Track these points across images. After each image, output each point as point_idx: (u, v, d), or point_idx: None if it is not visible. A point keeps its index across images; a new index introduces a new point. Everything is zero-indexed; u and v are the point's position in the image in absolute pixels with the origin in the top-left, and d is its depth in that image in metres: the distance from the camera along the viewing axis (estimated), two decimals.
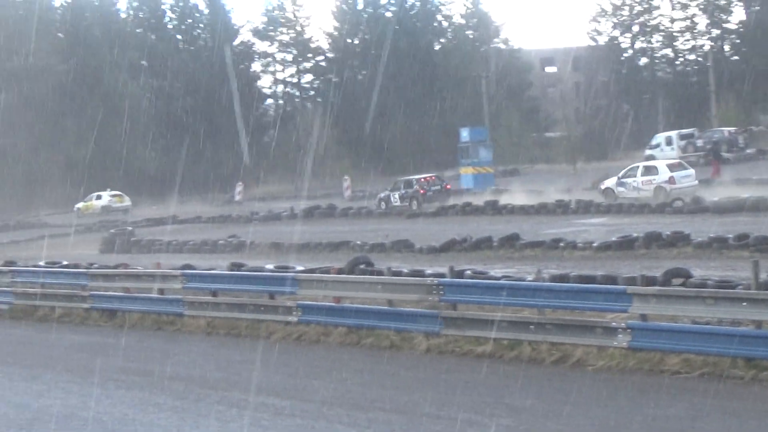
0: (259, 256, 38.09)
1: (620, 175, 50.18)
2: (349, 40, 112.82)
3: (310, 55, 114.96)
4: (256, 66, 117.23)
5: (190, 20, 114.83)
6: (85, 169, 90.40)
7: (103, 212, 76.80)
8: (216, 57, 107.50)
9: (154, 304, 25.52)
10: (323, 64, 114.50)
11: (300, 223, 53.44)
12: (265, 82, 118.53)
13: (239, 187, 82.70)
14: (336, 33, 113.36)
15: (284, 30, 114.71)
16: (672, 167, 49.68)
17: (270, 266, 27.48)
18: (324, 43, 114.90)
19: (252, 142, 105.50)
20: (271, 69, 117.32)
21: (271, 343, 21.45)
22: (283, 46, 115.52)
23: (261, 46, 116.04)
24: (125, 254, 44.03)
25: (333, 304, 21.84)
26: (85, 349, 22.84)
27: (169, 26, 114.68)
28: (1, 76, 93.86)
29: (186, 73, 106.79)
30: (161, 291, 25.65)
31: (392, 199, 58.91)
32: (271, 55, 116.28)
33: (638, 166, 51.08)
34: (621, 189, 49.26)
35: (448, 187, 62.29)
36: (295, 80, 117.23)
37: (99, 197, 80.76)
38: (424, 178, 62.47)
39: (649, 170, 49.82)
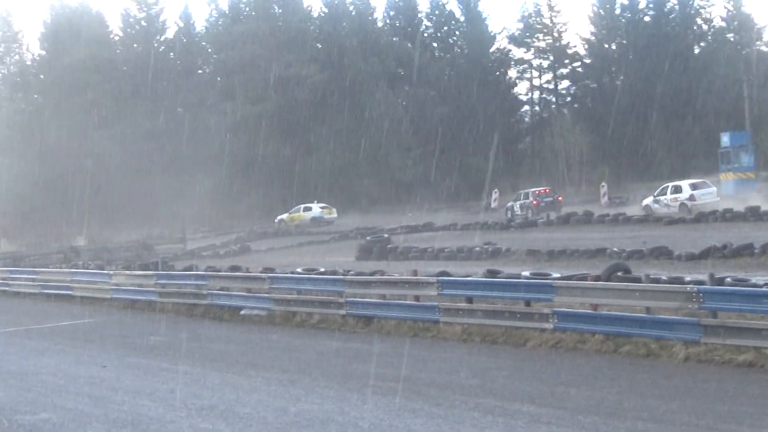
0: (515, 263, 37.82)
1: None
2: (606, 46, 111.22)
3: (566, 61, 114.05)
4: (512, 72, 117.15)
5: (446, 28, 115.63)
6: (339, 177, 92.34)
7: (312, 224, 77.82)
8: (472, 65, 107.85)
9: (410, 311, 25.64)
10: (580, 69, 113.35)
11: (556, 230, 52.96)
12: (521, 89, 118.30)
13: (495, 194, 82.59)
14: (593, 38, 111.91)
15: (541, 36, 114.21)
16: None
17: (526, 273, 27.16)
18: (581, 49, 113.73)
19: (508, 148, 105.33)
20: (527, 75, 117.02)
21: (526, 351, 21.27)
22: (540, 52, 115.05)
23: (517, 52, 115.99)
24: (381, 261, 44.48)
25: (590, 311, 21.44)
26: (341, 354, 23.07)
27: (425, 34, 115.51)
28: (261, 86, 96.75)
29: (442, 81, 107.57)
30: (417, 298, 25.76)
31: (515, 208, 61.77)
32: (528, 61, 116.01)
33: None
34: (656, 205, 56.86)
35: (560, 199, 67.64)
36: (551, 86, 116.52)
37: (308, 209, 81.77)
38: (539, 191, 68.38)
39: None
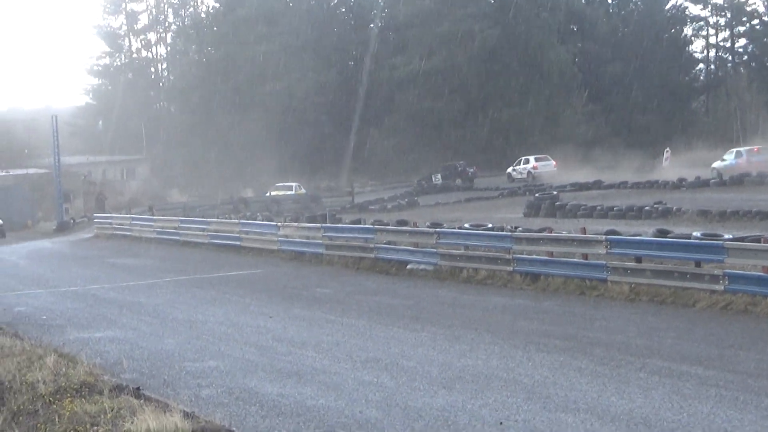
0: (685, 223, 37.06)
1: None
2: None
3: (744, 18, 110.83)
4: (687, 30, 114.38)
5: None
6: (510, 133, 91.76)
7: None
8: (647, 22, 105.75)
9: (577, 269, 25.35)
10: (759, 27, 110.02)
11: (728, 190, 51.71)
12: (696, 47, 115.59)
13: (667, 153, 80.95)
14: None
15: None
16: None
17: (697, 233, 26.56)
18: (761, 6, 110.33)
19: (681, 107, 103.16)
20: (702, 33, 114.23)
21: (695, 312, 20.88)
22: (717, 9, 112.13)
23: (693, 9, 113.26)
24: (549, 218, 44.13)
25: (763, 273, 20.82)
26: (507, 311, 22.92)
27: None
28: (431, 41, 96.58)
29: (614, 38, 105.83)
30: (585, 256, 25.44)
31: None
32: (704, 18, 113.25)
33: None
34: None
35: None
36: (727, 45, 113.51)
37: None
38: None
39: None
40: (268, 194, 76.76)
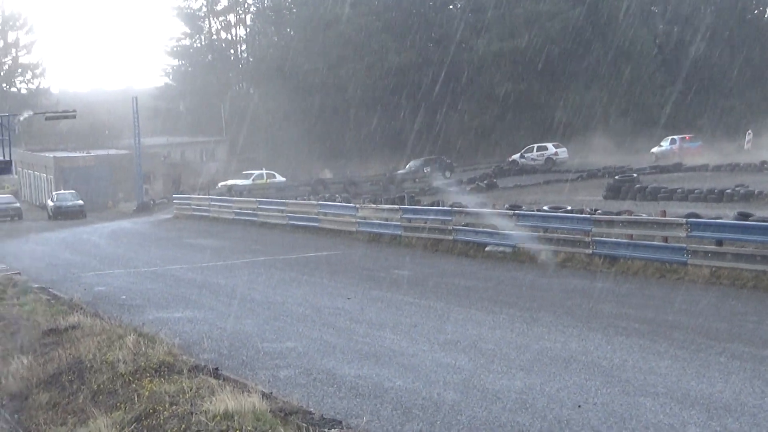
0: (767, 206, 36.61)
1: None
2: None
3: None
4: None
5: None
6: (588, 116, 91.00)
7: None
8: (731, 2, 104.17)
9: (657, 252, 25.17)
10: None
11: None
12: None
13: (749, 136, 79.86)
14: None
15: None
16: None
17: None
18: None
19: (764, 89, 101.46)
20: None
21: None
22: None
23: None
24: (629, 201, 43.75)
25: None
26: (586, 293, 22.76)
27: None
28: (511, 22, 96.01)
29: (697, 18, 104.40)
30: (665, 239, 25.23)
31: None
32: None
33: None
34: None
35: None
36: None
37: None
38: None
39: None
40: (220, 185, 74.05)
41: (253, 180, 74.07)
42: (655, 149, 77.53)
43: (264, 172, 78.02)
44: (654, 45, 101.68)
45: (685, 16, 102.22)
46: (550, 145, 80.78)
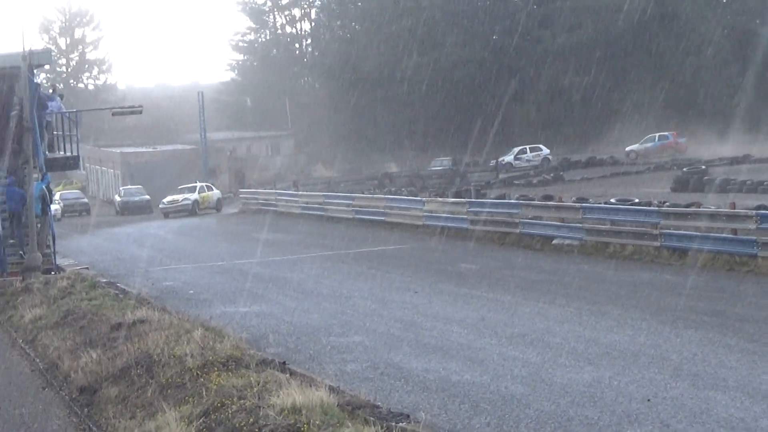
0: None
1: None
2: None
3: None
4: None
5: None
6: (652, 107, 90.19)
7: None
8: None
9: (726, 245, 24.93)
10: None
11: None
12: None
13: None
14: None
15: None
16: None
17: None
18: None
19: None
20: None
21: None
22: None
23: None
24: (697, 193, 43.36)
25: None
26: (654, 286, 22.58)
27: None
28: (577, 14, 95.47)
29: (765, 8, 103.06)
30: (734, 231, 24.96)
31: None
32: None
33: None
34: None
35: None
36: None
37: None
38: None
39: None
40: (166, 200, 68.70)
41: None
42: (635, 147, 77.64)
43: (204, 185, 72.33)
44: (723, 35, 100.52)
45: (753, 6, 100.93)
46: (542, 147, 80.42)
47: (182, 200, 67.02)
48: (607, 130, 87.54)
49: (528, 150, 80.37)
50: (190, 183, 72.49)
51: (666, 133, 79.71)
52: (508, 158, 79.79)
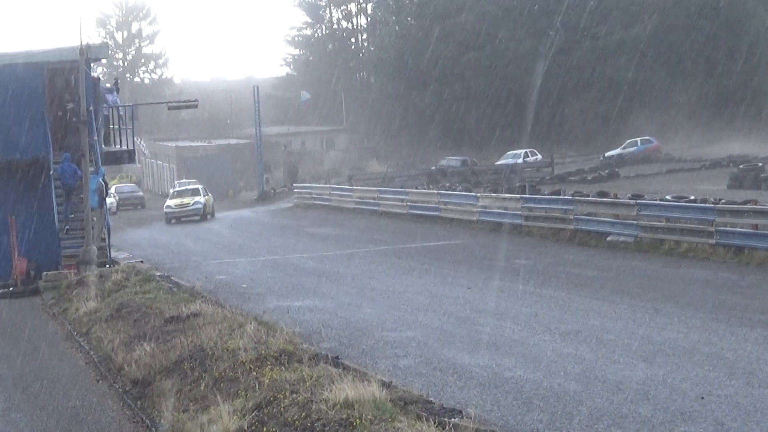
0: None
1: None
2: None
3: None
4: None
5: None
6: (708, 104, 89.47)
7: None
8: None
9: None
10: None
11: None
12: None
13: None
14: None
15: None
16: None
17: None
18: None
19: None
20: None
21: None
22: None
23: None
24: (754, 190, 42.93)
25: None
26: (709, 284, 22.43)
27: None
28: (633, 10, 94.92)
29: None
30: None
31: None
32: None
33: None
34: None
35: None
36: None
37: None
38: None
39: None
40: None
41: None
42: (615, 152, 77.05)
43: (200, 187, 64.70)
44: None
45: None
46: (534, 150, 79.67)
47: (193, 203, 58.25)
48: (661, 126, 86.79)
49: (526, 154, 79.36)
50: (189, 181, 71.79)
51: (648, 137, 79.12)
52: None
